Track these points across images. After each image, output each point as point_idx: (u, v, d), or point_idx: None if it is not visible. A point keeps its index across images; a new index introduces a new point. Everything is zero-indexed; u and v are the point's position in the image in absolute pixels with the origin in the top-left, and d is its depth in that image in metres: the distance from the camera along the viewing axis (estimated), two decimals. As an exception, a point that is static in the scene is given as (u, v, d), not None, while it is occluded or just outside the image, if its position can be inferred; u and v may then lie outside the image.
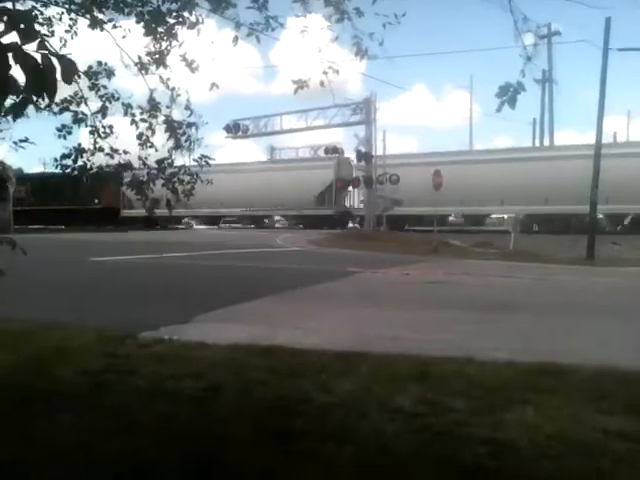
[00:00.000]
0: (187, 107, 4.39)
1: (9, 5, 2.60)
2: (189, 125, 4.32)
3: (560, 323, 6.56)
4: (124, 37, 4.29)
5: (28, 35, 2.27)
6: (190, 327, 5.99)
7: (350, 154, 36.18)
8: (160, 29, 4.19)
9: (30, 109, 2.82)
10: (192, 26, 4.30)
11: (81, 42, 4.37)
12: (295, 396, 3.51)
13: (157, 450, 2.68)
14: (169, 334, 5.32)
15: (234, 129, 41.35)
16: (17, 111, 2.36)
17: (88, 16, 3.99)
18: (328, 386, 3.71)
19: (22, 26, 1.86)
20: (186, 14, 4.21)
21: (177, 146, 4.27)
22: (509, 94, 3.14)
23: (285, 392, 3.60)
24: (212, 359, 4.39)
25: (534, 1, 3.52)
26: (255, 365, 4.20)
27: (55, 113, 3.90)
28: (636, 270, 13.63)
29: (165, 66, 4.32)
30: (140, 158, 4.25)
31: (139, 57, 4.31)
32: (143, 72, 4.33)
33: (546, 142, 38.23)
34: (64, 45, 4.00)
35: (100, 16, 4.00)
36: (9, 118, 2.63)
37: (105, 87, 4.19)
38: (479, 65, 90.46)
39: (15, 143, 2.99)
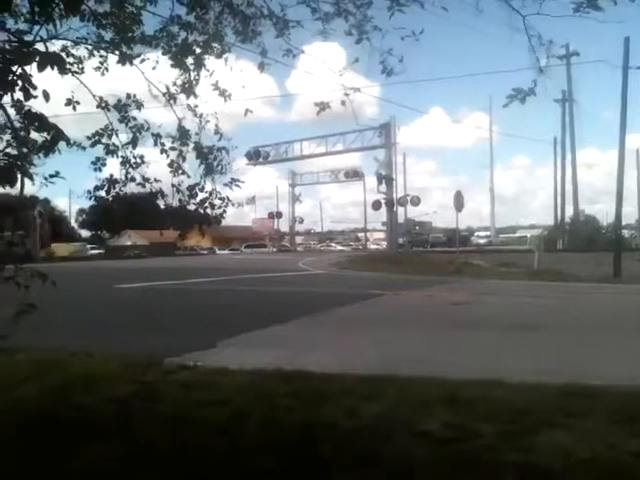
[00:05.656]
0: (216, 132, 4.43)
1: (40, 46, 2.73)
2: (219, 149, 4.36)
3: (589, 343, 6.42)
4: (154, 68, 4.39)
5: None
6: (215, 352, 6.01)
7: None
8: (188, 60, 4.29)
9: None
10: (219, 55, 4.40)
11: (110, 74, 4.46)
12: (321, 421, 3.48)
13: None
14: (194, 360, 5.34)
15: (255, 156, 42.02)
16: (49, 147, 2.44)
17: (117, 52, 4.10)
18: (354, 411, 3.68)
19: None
20: (215, 44, 4.31)
21: (208, 171, 4.29)
22: (520, 96, 3.55)
23: (311, 417, 3.57)
24: (237, 385, 4.39)
25: (551, 22, 3.61)
26: (280, 390, 4.18)
27: (84, 148, 3.98)
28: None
29: (195, 95, 4.39)
30: (173, 185, 4.27)
31: (167, 87, 4.40)
32: (172, 102, 4.41)
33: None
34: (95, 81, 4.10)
35: (128, 52, 4.11)
36: (41, 155, 2.71)
37: (134, 119, 4.26)
38: (496, 85, 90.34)
39: (46, 178, 3.06)
